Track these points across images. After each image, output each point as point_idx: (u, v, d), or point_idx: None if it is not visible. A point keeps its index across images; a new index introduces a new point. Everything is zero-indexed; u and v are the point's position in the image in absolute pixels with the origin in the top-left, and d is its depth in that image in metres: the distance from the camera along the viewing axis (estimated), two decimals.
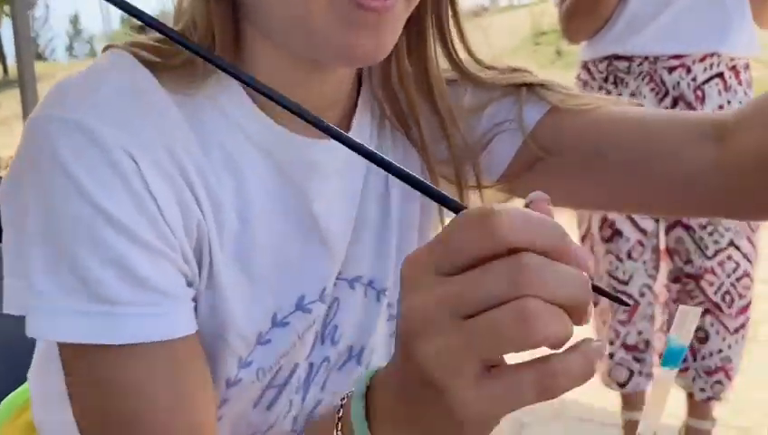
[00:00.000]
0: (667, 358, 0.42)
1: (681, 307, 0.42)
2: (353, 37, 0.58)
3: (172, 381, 0.59)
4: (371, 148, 0.72)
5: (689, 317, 0.42)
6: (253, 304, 0.66)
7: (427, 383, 0.40)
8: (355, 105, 0.73)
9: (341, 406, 0.52)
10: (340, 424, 0.50)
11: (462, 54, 0.73)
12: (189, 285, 0.62)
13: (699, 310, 0.42)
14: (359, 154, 0.46)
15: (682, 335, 0.42)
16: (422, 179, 0.45)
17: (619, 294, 2.00)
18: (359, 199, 0.74)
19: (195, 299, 0.63)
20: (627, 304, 0.49)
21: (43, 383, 0.77)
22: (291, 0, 0.58)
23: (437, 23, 0.71)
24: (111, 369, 0.58)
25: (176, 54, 0.63)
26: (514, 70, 0.75)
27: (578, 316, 0.40)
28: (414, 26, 0.69)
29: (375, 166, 0.72)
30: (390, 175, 0.73)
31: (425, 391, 0.41)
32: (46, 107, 0.59)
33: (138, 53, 0.63)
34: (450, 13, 0.71)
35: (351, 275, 0.74)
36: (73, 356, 0.59)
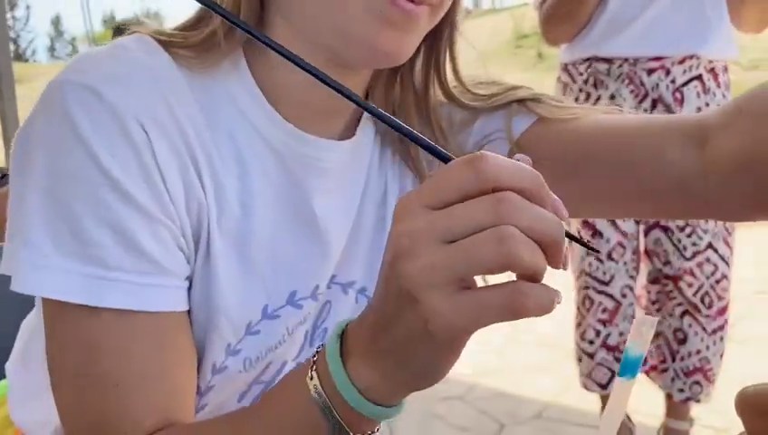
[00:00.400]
0: (625, 367, 0.42)
1: (637, 316, 0.42)
2: (381, 36, 0.60)
3: (155, 351, 0.59)
4: (375, 156, 0.75)
5: (646, 326, 0.42)
6: (245, 292, 0.67)
7: (406, 299, 0.43)
8: (360, 116, 0.74)
9: (316, 353, 0.52)
10: (315, 366, 0.51)
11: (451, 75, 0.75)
12: (186, 262, 0.63)
13: (656, 319, 0.42)
14: (374, 116, 0.51)
15: (639, 344, 0.42)
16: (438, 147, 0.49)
17: (600, 296, 2.02)
18: (358, 202, 0.75)
19: (190, 279, 0.64)
20: (597, 251, 0.53)
21: (22, 378, 0.77)
22: None
23: (435, 51, 0.73)
24: (96, 332, 0.58)
25: (193, 36, 0.65)
26: (513, 88, 0.77)
27: (552, 255, 0.43)
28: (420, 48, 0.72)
29: (375, 172, 0.76)
30: (387, 183, 0.76)
31: (403, 308, 0.44)
32: (66, 72, 0.60)
33: (158, 37, 0.64)
34: (448, 43, 0.73)
35: (345, 280, 0.75)
36: (59, 315, 0.59)
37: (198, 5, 0.54)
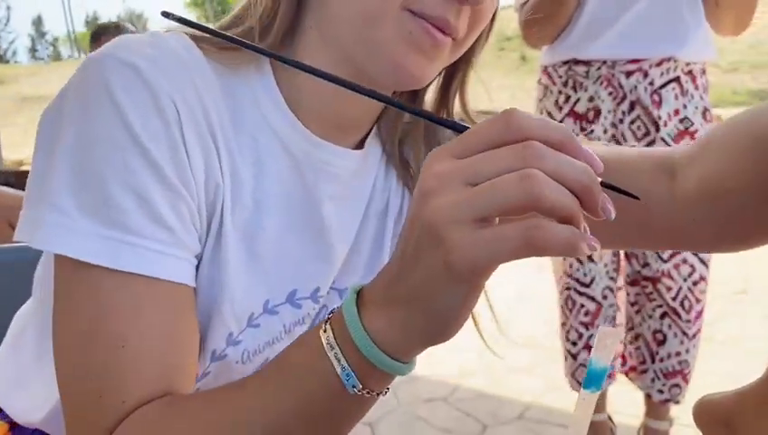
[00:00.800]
0: (589, 380, 0.42)
1: (601, 329, 0.42)
2: (408, 59, 0.63)
3: (163, 318, 0.61)
4: (380, 171, 0.79)
5: (609, 339, 0.42)
6: (249, 283, 0.69)
7: (429, 236, 0.44)
8: (368, 133, 0.77)
9: (331, 312, 0.53)
10: (329, 321, 0.52)
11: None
12: (198, 240, 0.65)
13: (620, 332, 0.42)
14: (390, 105, 0.55)
15: (603, 357, 0.42)
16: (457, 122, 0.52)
17: (581, 297, 2.03)
18: (362, 212, 0.78)
19: (199, 260, 0.66)
20: (636, 197, 0.50)
21: (13, 367, 0.78)
22: (362, 9, 0.62)
23: (449, 85, 0.76)
24: (110, 292, 0.59)
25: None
26: None
27: (586, 202, 0.43)
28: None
29: (380, 186, 0.79)
30: (390, 198, 0.80)
31: (424, 247, 0.45)
32: (106, 48, 0.62)
33: (193, 35, 0.67)
34: (463, 80, 0.76)
35: (343, 286, 0.78)
36: (74, 274, 0.60)
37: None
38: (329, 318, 0.52)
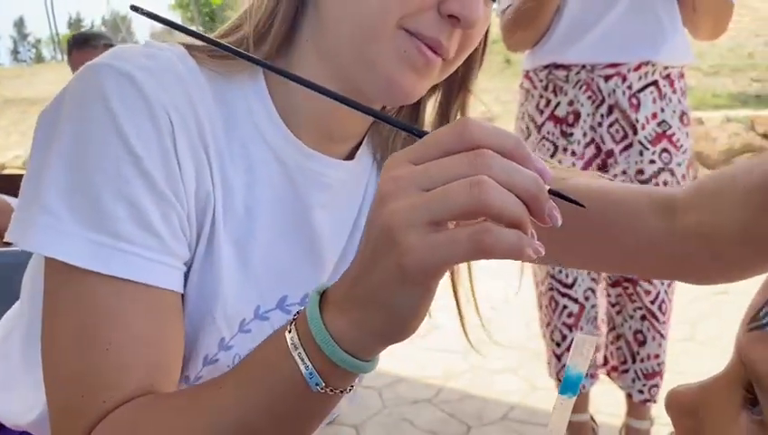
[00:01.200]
0: (566, 386, 0.43)
1: (578, 336, 0.44)
2: (401, 75, 0.66)
3: (149, 322, 0.62)
4: (371, 181, 0.81)
5: (586, 346, 0.43)
6: (241, 289, 0.71)
7: (385, 239, 0.47)
8: (359, 144, 0.79)
9: (297, 313, 0.55)
10: (294, 322, 0.54)
11: None
12: (188, 247, 0.66)
13: (595, 339, 0.43)
14: (379, 120, 0.58)
15: (579, 364, 0.43)
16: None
17: (564, 299, 2.05)
18: (353, 221, 0.79)
19: (189, 266, 0.67)
20: (582, 205, 0.52)
21: (1, 370, 0.79)
22: (359, 26, 0.65)
23: (447, 108, 0.79)
24: (98, 296, 0.61)
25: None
26: None
27: (533, 209, 0.45)
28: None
29: (370, 196, 0.80)
30: None
31: (381, 249, 0.47)
32: (104, 58, 0.64)
33: (188, 46, 0.69)
34: (462, 103, 0.79)
35: None
36: (63, 277, 0.62)
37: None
38: (294, 319, 0.54)
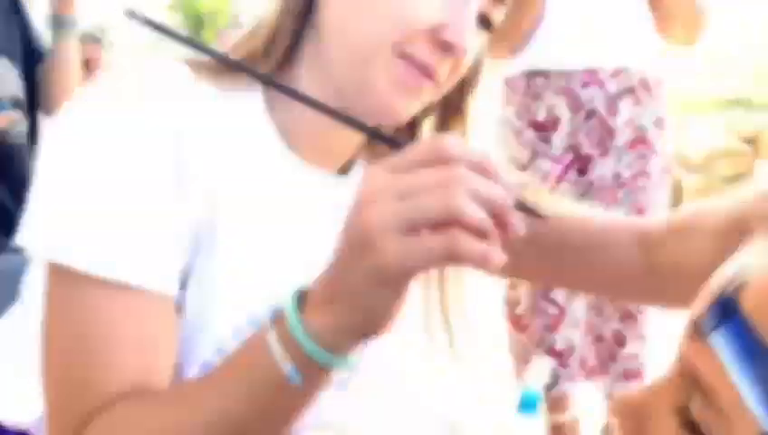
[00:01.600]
0: (523, 405, 0.46)
1: (536, 357, 0.46)
2: (394, 96, 0.70)
3: (142, 325, 0.65)
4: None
5: (542, 367, 0.46)
6: (236, 297, 0.73)
7: (362, 242, 0.51)
8: (356, 156, 0.83)
9: (277, 312, 0.59)
10: (275, 320, 0.57)
11: None
12: (185, 257, 0.69)
13: (550, 361, 0.46)
14: (372, 136, 0.64)
15: (536, 384, 0.46)
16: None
17: (544, 302, 2.07)
18: None
19: (187, 274, 0.70)
20: (542, 217, 0.57)
21: None
22: (356, 50, 0.68)
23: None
24: (97, 300, 0.64)
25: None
26: None
27: (499, 220, 0.50)
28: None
29: None
30: None
31: (358, 252, 0.51)
32: (103, 76, 0.69)
33: (189, 61, 0.72)
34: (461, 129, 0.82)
35: None
36: (64, 281, 0.65)
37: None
38: (275, 318, 0.58)
